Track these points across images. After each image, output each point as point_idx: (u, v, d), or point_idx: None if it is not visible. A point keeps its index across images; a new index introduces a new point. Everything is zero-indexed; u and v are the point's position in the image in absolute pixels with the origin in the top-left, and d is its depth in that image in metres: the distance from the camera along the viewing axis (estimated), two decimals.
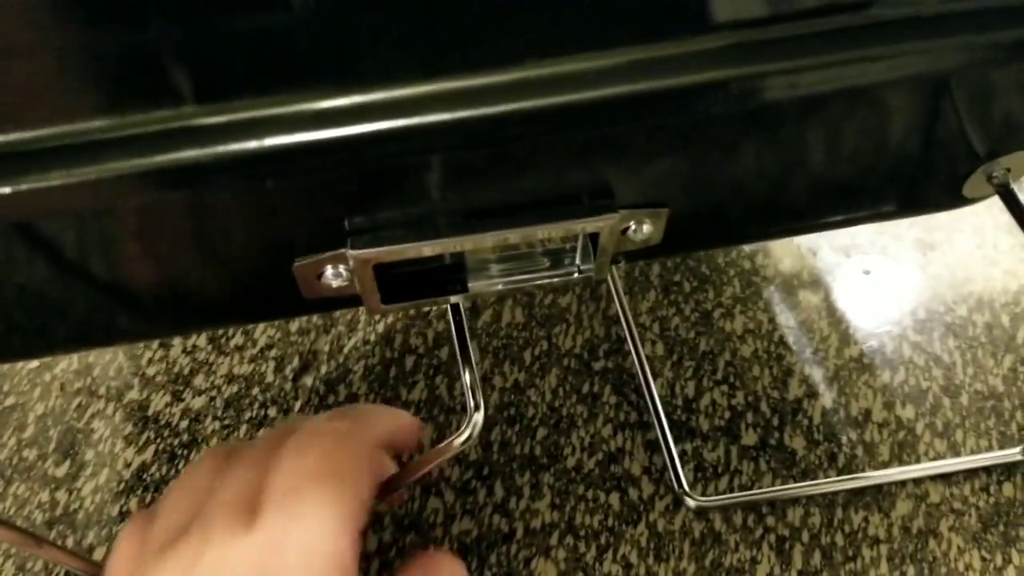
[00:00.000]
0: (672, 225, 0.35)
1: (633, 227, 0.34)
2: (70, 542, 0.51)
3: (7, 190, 0.25)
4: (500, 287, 0.37)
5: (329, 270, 0.33)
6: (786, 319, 0.59)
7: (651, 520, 0.50)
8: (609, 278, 0.61)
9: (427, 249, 0.32)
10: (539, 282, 0.38)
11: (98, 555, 0.51)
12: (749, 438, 0.53)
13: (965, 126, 0.35)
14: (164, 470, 0.54)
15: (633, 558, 0.49)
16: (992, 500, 0.50)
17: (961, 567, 0.48)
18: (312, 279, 0.33)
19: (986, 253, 0.63)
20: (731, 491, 0.51)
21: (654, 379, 0.56)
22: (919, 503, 0.50)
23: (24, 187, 0.25)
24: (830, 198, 0.40)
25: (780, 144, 0.34)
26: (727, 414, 0.54)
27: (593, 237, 0.35)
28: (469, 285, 0.37)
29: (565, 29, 0.26)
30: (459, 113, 0.26)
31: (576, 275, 0.37)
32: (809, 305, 0.60)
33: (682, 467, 0.52)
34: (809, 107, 0.32)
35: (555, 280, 0.38)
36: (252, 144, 0.26)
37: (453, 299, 0.38)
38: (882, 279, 0.62)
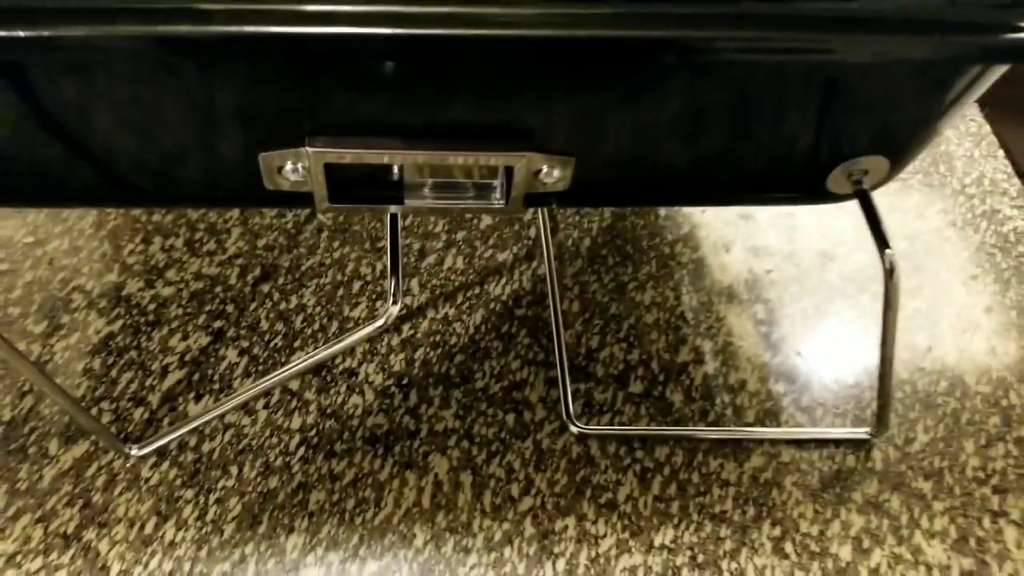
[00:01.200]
0: (580, 176, 0.42)
1: (544, 170, 0.41)
2: (36, 386, 0.58)
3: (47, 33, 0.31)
4: (431, 205, 0.44)
5: (289, 164, 0.39)
6: (690, 299, 0.68)
7: (538, 438, 0.58)
8: (543, 243, 0.70)
9: (371, 156, 0.39)
10: (463, 205, 0.44)
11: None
12: (636, 387, 0.61)
13: (832, 118, 0.39)
14: (128, 340, 0.62)
15: (516, 465, 0.56)
16: (835, 467, 0.58)
17: (795, 515, 0.56)
18: (273, 171, 0.40)
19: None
20: (611, 426, 0.59)
21: (565, 330, 0.64)
22: (771, 460, 0.58)
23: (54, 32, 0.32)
24: (710, 174, 0.45)
25: (671, 115, 0.40)
26: (621, 366, 0.62)
27: (510, 173, 0.41)
28: (406, 200, 0.44)
29: None
30: (402, 30, 0.33)
31: (495, 205, 0.44)
32: (713, 290, 0.68)
33: (573, 401, 0.60)
34: (694, 79, 0.38)
35: (477, 206, 0.44)
36: (235, 28, 0.32)
37: (392, 209, 0.45)
38: (782, 277, 0.70)
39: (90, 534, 0.52)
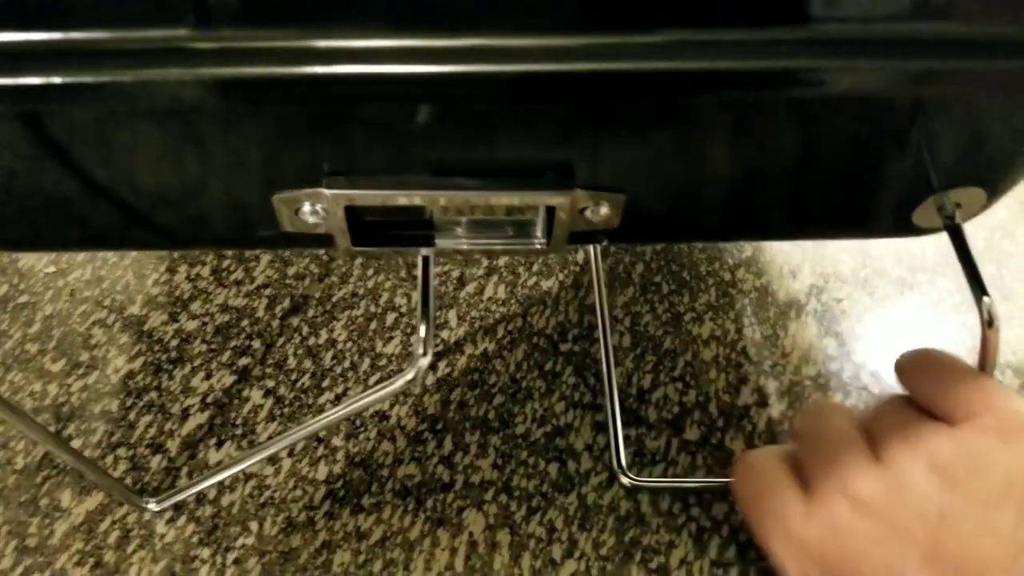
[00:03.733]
0: (631, 212, 0.37)
1: (591, 208, 0.36)
2: (51, 430, 0.55)
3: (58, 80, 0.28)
4: (465, 247, 0.39)
5: (307, 206, 0.35)
6: (752, 332, 0.62)
7: (583, 492, 0.53)
8: (593, 270, 0.64)
9: (396, 198, 0.34)
10: (500, 248, 0.39)
11: (74, 445, 0.55)
12: (692, 434, 0.56)
13: (921, 150, 0.35)
14: (148, 380, 0.58)
15: (559, 524, 0.51)
16: None
17: None
18: (291, 213, 0.36)
19: (965, 298, 0.64)
20: (664, 478, 0.53)
21: (615, 367, 0.59)
22: None
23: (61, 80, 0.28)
24: (781, 209, 0.41)
25: (737, 148, 0.35)
26: (676, 409, 0.57)
27: (552, 212, 0.36)
28: (436, 241, 0.39)
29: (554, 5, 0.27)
30: (434, 68, 0.28)
31: (537, 246, 0.39)
32: (777, 322, 0.62)
33: (624, 449, 0.54)
34: (768, 113, 0.33)
35: (516, 248, 0.39)
36: (248, 70, 0.28)
37: (423, 252, 0.40)
38: (855, 309, 0.64)
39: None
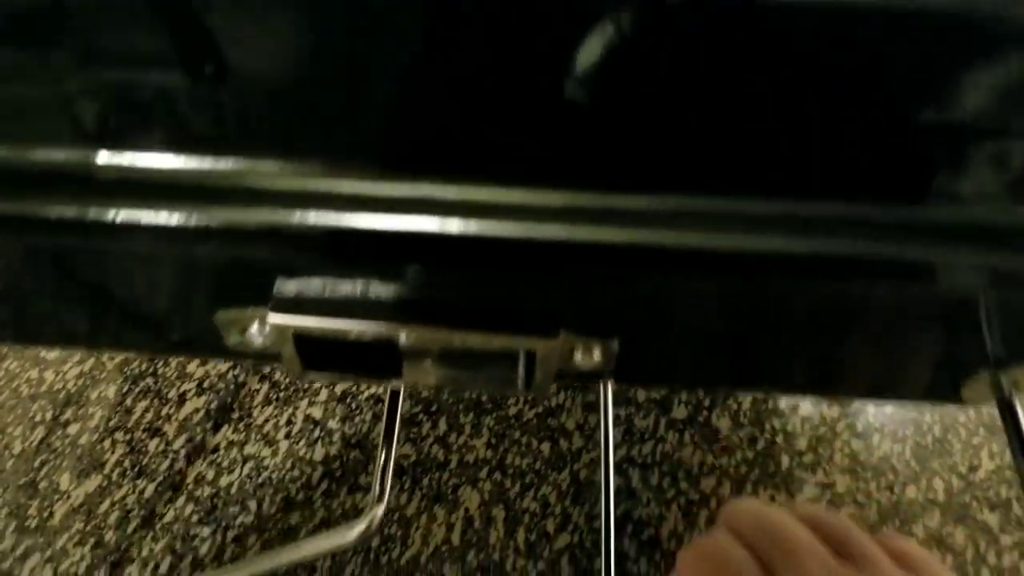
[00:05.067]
0: (627, 357, 0.31)
1: (580, 353, 0.31)
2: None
3: None
4: (434, 382, 0.33)
5: (255, 327, 0.31)
6: None
7: (575, 469, 0.54)
8: None
9: (348, 330, 0.29)
10: (476, 386, 0.33)
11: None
12: (679, 412, 0.57)
13: (980, 324, 0.30)
14: (144, 367, 0.59)
15: (552, 499, 0.53)
16: (894, 498, 0.54)
17: None
18: (236, 332, 0.31)
19: None
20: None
21: None
22: (824, 491, 0.54)
23: None
24: (808, 370, 0.35)
25: (760, 312, 0.30)
26: (664, 390, 0.59)
27: (533, 355, 0.31)
28: (404, 373, 0.32)
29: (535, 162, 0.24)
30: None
31: (519, 388, 0.33)
32: None
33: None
34: (811, 292, 0.28)
35: (494, 389, 0.33)
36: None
37: (396, 383, 0.34)
38: None
39: (103, 572, 0.49)
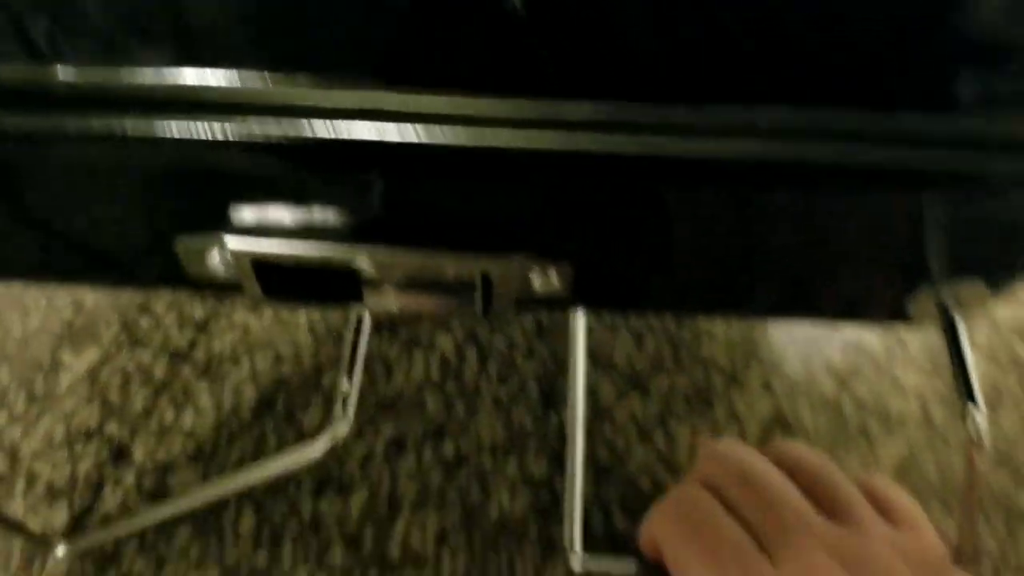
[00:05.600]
0: (583, 283, 0.32)
1: (536, 276, 0.31)
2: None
3: None
4: (394, 307, 0.33)
5: (215, 254, 0.31)
6: None
7: (537, 316, 0.61)
8: None
9: (306, 254, 0.29)
10: (435, 310, 0.33)
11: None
12: None
13: (923, 237, 0.30)
14: None
15: (519, 338, 0.59)
16: None
17: None
18: (196, 259, 0.31)
19: None
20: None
21: None
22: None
23: None
24: (758, 290, 0.35)
25: (700, 225, 0.30)
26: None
27: (489, 278, 0.31)
28: (365, 297, 0.32)
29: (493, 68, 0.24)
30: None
31: (478, 313, 0.33)
32: None
33: None
34: (743, 199, 0.28)
35: (452, 312, 0.34)
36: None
37: (358, 308, 0.36)
38: None
39: (112, 427, 0.54)
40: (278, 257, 0.29)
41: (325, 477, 0.51)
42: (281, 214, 0.29)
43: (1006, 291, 0.34)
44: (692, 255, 0.32)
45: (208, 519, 0.49)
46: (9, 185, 0.29)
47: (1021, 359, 0.58)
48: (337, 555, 0.48)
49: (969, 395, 0.32)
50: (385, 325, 0.58)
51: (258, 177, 0.27)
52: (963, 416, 0.32)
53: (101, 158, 0.26)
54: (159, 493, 0.50)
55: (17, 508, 0.50)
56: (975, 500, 0.35)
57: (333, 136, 0.24)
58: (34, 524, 0.50)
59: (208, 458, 0.52)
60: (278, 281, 0.31)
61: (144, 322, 0.59)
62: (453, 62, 0.23)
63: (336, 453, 0.52)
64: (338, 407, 0.37)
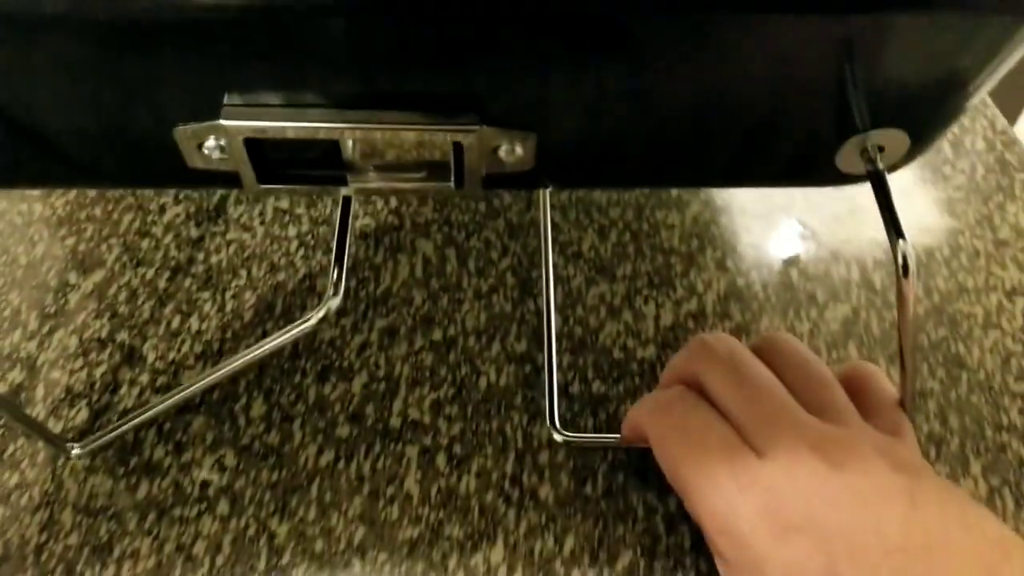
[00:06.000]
0: (545, 154, 0.34)
1: (504, 148, 0.33)
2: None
3: None
4: (374, 186, 0.37)
5: (210, 141, 0.33)
6: None
7: (508, 217, 0.66)
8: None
9: (292, 129, 0.32)
10: (412, 187, 0.37)
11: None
12: None
13: (842, 85, 0.30)
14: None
15: (492, 238, 0.64)
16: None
17: None
18: (193, 149, 0.33)
19: None
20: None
21: None
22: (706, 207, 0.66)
23: None
24: (696, 154, 0.37)
25: (647, 81, 0.31)
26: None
27: (460, 150, 0.33)
28: (349, 180, 0.36)
29: None
30: None
31: (452, 187, 0.36)
32: None
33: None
34: (678, 40, 0.30)
35: (427, 188, 0.37)
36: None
37: (343, 191, 0.38)
38: None
39: (123, 335, 0.58)
40: (270, 131, 0.32)
41: (327, 365, 0.56)
42: (272, 95, 0.31)
43: (928, 144, 0.35)
44: (644, 117, 0.34)
45: (221, 408, 0.54)
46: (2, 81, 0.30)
47: (953, 226, 0.64)
48: (344, 430, 0.53)
49: (897, 231, 0.33)
50: (370, 235, 0.63)
51: (246, 52, 0.30)
52: (893, 251, 0.33)
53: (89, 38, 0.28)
54: (173, 389, 0.55)
55: (39, 411, 0.54)
56: (910, 335, 0.36)
57: None
58: (56, 426, 0.54)
59: (216, 355, 0.56)
60: (270, 166, 0.34)
61: (144, 243, 0.63)
62: None
63: (335, 343, 0.57)
64: (329, 286, 0.40)
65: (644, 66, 0.31)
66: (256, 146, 0.33)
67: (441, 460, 0.52)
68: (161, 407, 0.53)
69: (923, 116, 0.34)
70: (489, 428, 0.53)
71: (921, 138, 0.35)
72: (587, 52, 0.30)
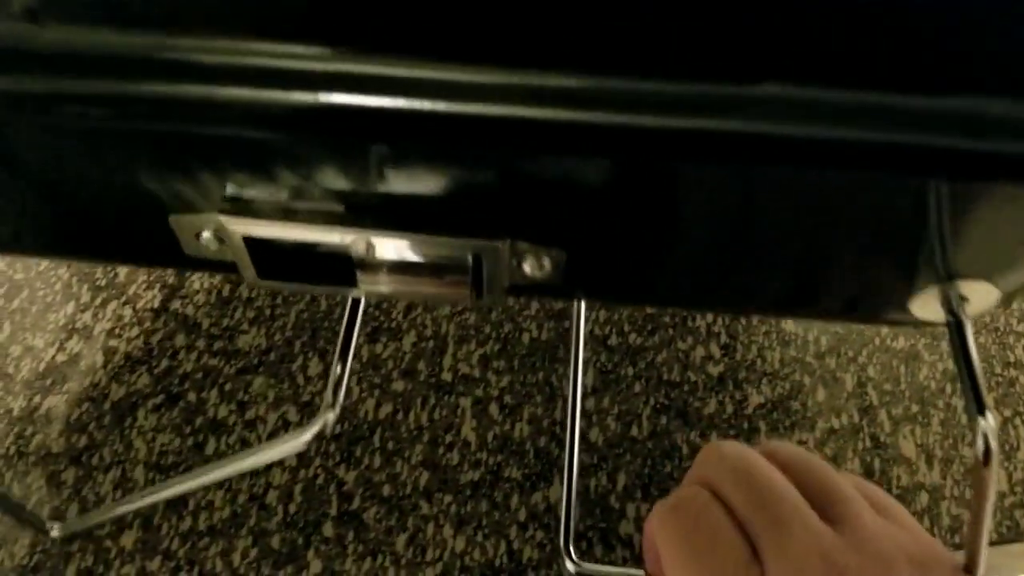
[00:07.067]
0: (575, 270, 0.31)
1: (528, 261, 0.31)
2: None
3: None
4: (386, 290, 0.33)
5: (207, 232, 0.30)
6: None
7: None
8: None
9: (298, 233, 0.29)
10: (428, 293, 0.33)
11: None
12: None
13: (928, 234, 0.28)
14: None
15: None
16: None
17: None
18: (191, 238, 0.31)
19: None
20: None
21: None
22: None
23: None
24: (755, 285, 0.34)
25: (700, 210, 0.29)
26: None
27: (480, 261, 0.31)
28: (359, 281, 0.33)
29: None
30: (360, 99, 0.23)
31: (470, 298, 0.32)
32: None
33: None
34: (748, 182, 0.27)
35: (446, 296, 0.33)
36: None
37: (352, 293, 0.35)
38: None
39: (175, 304, 0.60)
40: (272, 237, 0.29)
41: (376, 327, 0.59)
42: (276, 195, 0.28)
43: (1016, 296, 0.31)
44: (691, 243, 0.31)
45: (279, 368, 0.56)
46: (6, 156, 0.28)
47: None
48: (399, 385, 0.55)
49: (979, 407, 0.29)
50: None
51: (253, 153, 0.26)
52: (972, 428, 0.29)
53: (97, 123, 0.25)
54: (231, 353, 0.57)
55: (101, 377, 0.56)
56: (985, 517, 0.31)
57: (329, 102, 0.23)
58: (118, 392, 0.56)
59: (269, 320, 0.59)
60: (272, 263, 0.31)
61: None
62: (445, 31, 0.22)
63: (382, 306, 0.60)
64: (328, 392, 0.36)
65: (697, 200, 0.28)
66: (257, 240, 0.29)
67: (494, 409, 0.55)
68: (222, 373, 0.55)
69: (1014, 269, 0.30)
70: (536, 379, 0.56)
71: (1011, 292, 0.30)
72: (631, 185, 0.27)
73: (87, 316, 0.59)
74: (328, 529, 0.50)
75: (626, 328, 0.58)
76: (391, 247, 0.30)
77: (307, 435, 0.36)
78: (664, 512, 0.32)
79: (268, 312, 0.59)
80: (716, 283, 0.33)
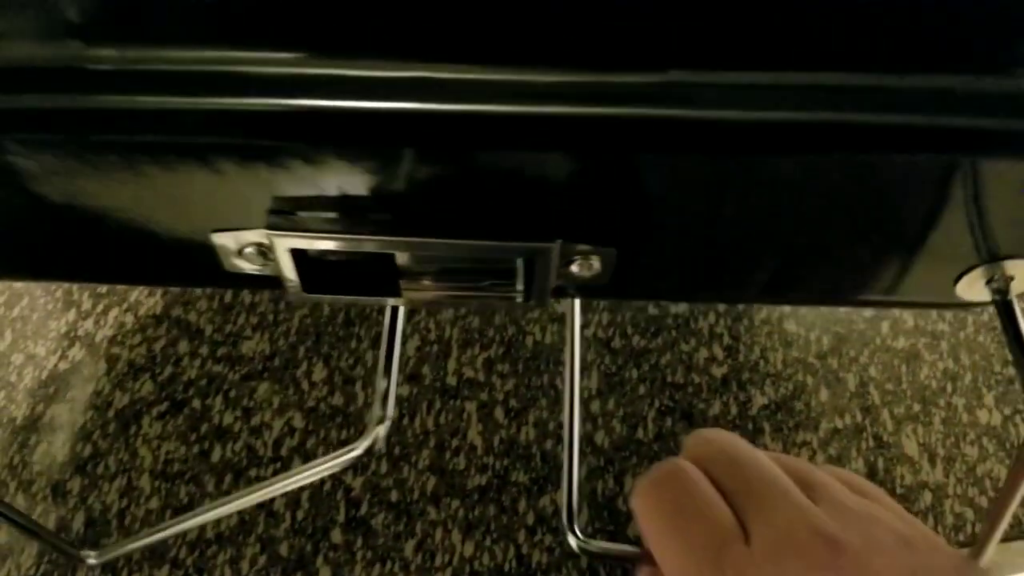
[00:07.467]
0: (624, 268, 0.31)
1: (578, 262, 0.30)
2: None
3: None
4: (433, 297, 0.32)
5: (251, 249, 0.29)
6: None
7: None
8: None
9: (346, 244, 0.28)
10: (475, 298, 0.33)
11: None
12: None
13: (971, 217, 0.28)
14: None
15: None
16: None
17: None
18: (233, 255, 0.30)
19: None
20: None
21: None
22: None
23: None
24: (801, 273, 0.34)
25: (750, 203, 0.28)
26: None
27: (532, 263, 0.30)
28: (403, 290, 0.32)
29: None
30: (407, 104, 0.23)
31: (518, 299, 0.32)
32: None
33: None
34: (788, 168, 0.26)
35: (493, 299, 0.33)
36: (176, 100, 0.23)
37: (397, 302, 0.34)
38: None
39: (177, 311, 0.60)
40: (319, 249, 0.28)
41: (380, 332, 0.59)
42: (322, 207, 0.27)
43: None
44: (738, 236, 0.31)
45: (283, 374, 0.56)
46: (43, 179, 0.27)
47: None
48: (404, 390, 0.56)
49: None
50: None
51: (300, 165, 0.26)
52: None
53: (138, 141, 0.25)
54: (235, 359, 0.57)
55: (104, 385, 0.56)
56: (1010, 502, 0.31)
57: (374, 106, 0.23)
58: (122, 399, 0.56)
59: (272, 325, 0.59)
60: (318, 276, 0.31)
61: None
62: (498, 33, 0.22)
63: (385, 311, 0.60)
64: (376, 406, 0.36)
65: (755, 195, 0.28)
66: (303, 253, 0.29)
67: (499, 413, 0.55)
68: (227, 379, 0.55)
69: None
70: (540, 382, 0.56)
71: None
72: (690, 177, 0.27)
73: (89, 323, 0.59)
74: (336, 535, 0.50)
75: (629, 331, 0.59)
76: (439, 254, 0.30)
77: (359, 449, 0.35)
78: (647, 485, 0.32)
79: (271, 318, 0.59)
80: (766, 275, 0.33)
